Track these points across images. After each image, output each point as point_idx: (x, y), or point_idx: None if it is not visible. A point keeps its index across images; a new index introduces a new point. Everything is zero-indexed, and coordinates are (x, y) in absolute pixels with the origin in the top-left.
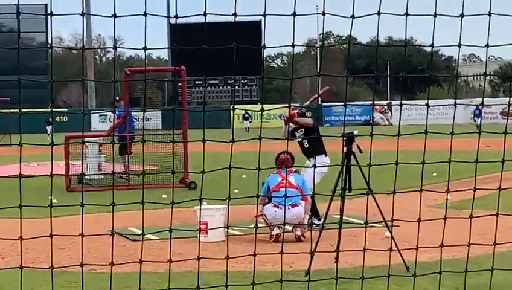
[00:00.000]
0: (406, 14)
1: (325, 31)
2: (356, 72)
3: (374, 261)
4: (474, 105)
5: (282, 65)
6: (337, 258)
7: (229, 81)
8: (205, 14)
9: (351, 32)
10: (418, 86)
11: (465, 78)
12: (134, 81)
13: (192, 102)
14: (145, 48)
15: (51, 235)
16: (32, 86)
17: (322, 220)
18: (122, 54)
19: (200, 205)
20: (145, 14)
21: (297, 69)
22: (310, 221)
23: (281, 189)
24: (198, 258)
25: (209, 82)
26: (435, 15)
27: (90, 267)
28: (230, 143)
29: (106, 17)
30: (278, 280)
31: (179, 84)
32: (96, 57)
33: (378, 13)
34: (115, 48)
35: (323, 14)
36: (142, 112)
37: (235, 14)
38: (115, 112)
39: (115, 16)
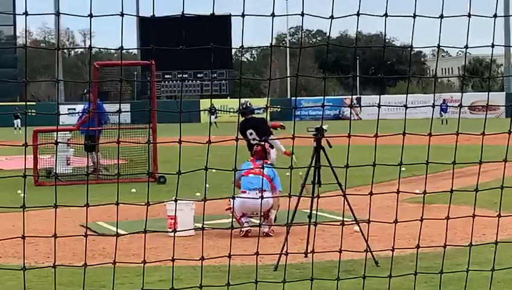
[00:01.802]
0: (386, 15)
1: (294, 25)
2: (326, 66)
3: (343, 256)
4: (439, 103)
5: (252, 59)
6: (306, 254)
7: (199, 75)
8: (183, 14)
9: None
10: (387, 81)
11: (434, 73)
12: (109, 80)
13: (161, 96)
14: (121, 48)
15: (23, 237)
16: None
17: (291, 214)
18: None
19: (176, 207)
20: (122, 14)
21: (268, 63)
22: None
23: (249, 175)
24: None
25: (179, 76)
26: (414, 16)
27: (59, 262)
28: (207, 143)
29: (82, 16)
30: (252, 281)
31: (148, 79)
32: (65, 50)
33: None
34: (90, 48)
35: (302, 14)
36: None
37: (212, 15)
38: (85, 109)
39: (91, 15)
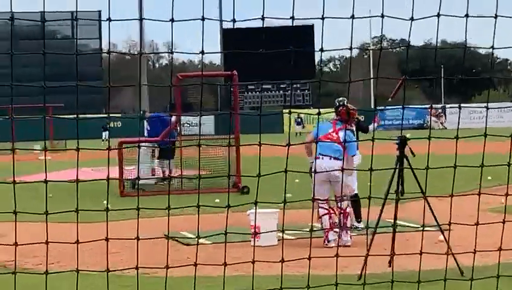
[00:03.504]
0: (467, 16)
1: (378, 34)
2: (410, 75)
3: (427, 265)
4: None
5: (335, 69)
6: (390, 262)
7: (282, 86)
8: (263, 18)
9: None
10: (472, 89)
11: None
12: (187, 86)
13: (244, 107)
14: (202, 52)
15: (107, 239)
16: (86, 91)
17: (375, 224)
18: (176, 60)
19: (256, 211)
20: (203, 19)
21: (350, 73)
22: (352, 225)
23: (325, 140)
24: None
25: (262, 87)
26: (496, 16)
27: (143, 270)
28: (286, 147)
29: (164, 21)
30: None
31: (231, 89)
32: (150, 62)
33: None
34: (171, 52)
35: (382, 16)
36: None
37: (292, 18)
38: (145, 118)
39: (172, 20)
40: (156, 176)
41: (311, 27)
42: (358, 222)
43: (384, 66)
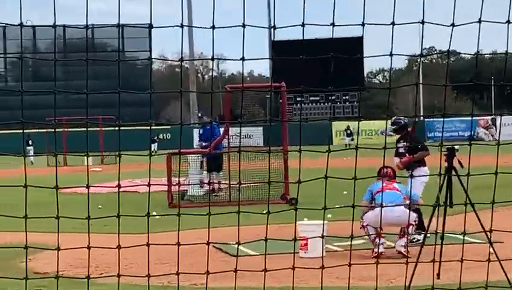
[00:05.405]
0: (508, 22)
1: (427, 46)
2: (461, 87)
3: (477, 278)
4: None
5: (384, 81)
6: (438, 275)
7: (330, 98)
8: (303, 25)
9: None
10: None
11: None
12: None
13: (293, 118)
14: (212, 59)
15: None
16: (136, 104)
17: (423, 235)
18: (225, 72)
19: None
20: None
21: (399, 85)
22: (412, 237)
23: (384, 190)
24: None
25: (310, 99)
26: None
27: (192, 281)
28: (327, 154)
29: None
30: None
31: (280, 101)
32: (199, 75)
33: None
34: (212, 59)
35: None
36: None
37: (333, 24)
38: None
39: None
40: (204, 188)
41: (360, 38)
42: (419, 234)
43: (435, 78)
